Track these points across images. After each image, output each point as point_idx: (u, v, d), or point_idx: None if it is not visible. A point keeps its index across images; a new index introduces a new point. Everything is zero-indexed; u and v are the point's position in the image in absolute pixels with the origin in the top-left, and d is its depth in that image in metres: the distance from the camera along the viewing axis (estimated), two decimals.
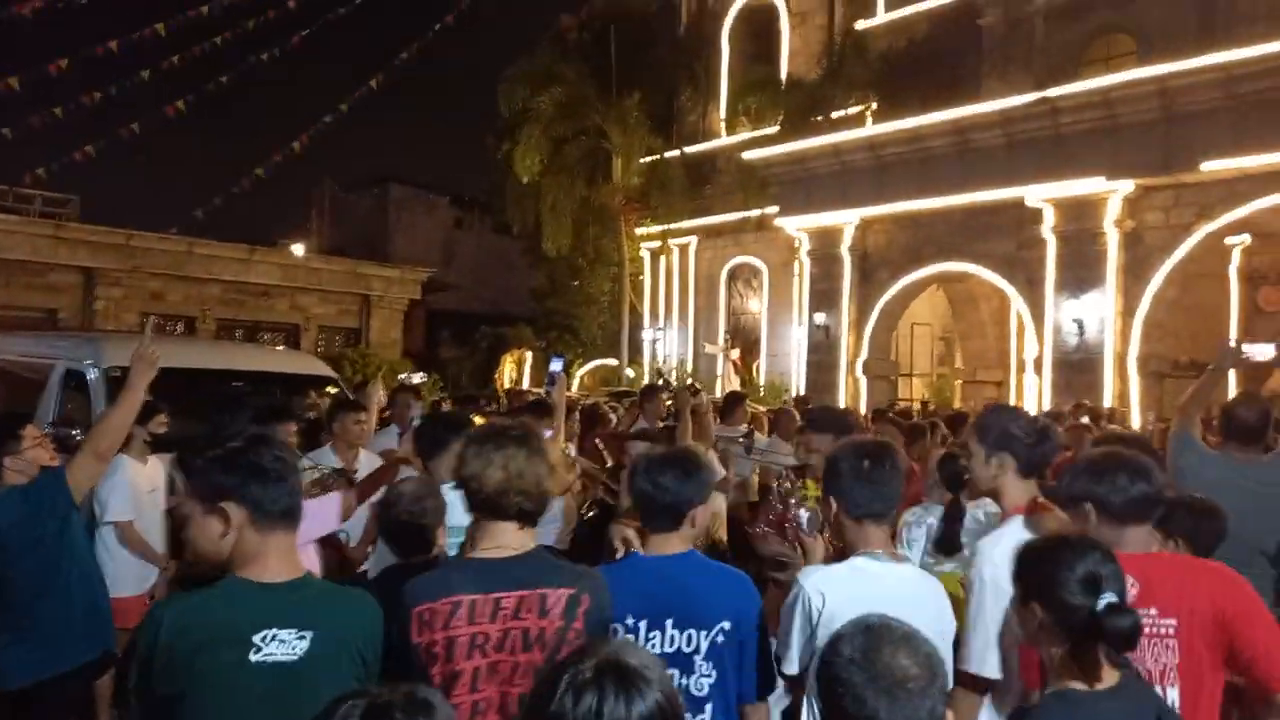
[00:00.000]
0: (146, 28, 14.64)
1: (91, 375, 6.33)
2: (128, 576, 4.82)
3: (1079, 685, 1.82)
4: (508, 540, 2.02)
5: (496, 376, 21.27)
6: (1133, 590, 2.33)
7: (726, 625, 2.36)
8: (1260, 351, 4.98)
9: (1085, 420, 9.47)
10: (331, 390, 7.73)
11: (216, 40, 15.92)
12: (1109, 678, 1.83)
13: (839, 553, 2.69)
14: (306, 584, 1.94)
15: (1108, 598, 1.80)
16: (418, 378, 19.29)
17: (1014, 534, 2.46)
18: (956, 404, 16.82)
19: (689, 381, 15.48)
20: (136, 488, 4.93)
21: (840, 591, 2.32)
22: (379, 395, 5.79)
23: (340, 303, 22.04)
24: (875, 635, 1.44)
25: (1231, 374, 12.93)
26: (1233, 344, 4.73)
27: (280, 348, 16.60)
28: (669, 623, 2.33)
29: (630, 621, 2.28)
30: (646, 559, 2.43)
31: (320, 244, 30.55)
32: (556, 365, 2.73)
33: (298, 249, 24.56)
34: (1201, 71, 12.79)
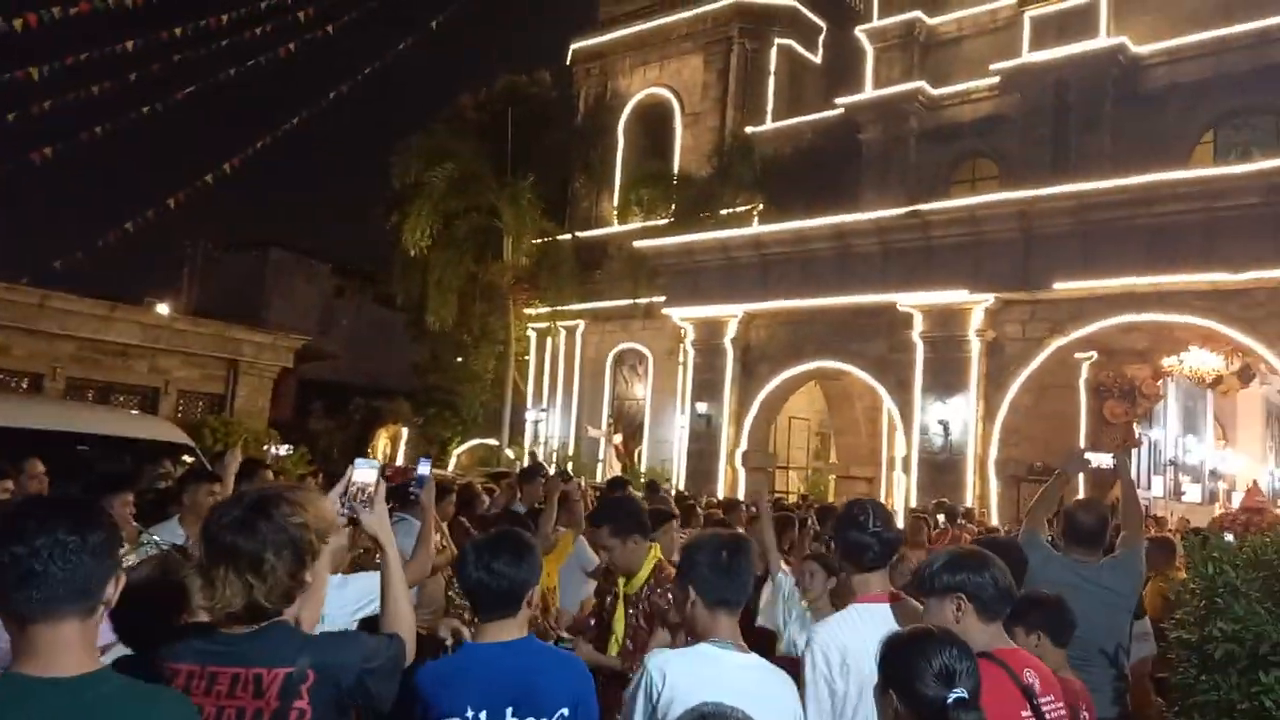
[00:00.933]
0: (18, 70, 13.95)
1: None
2: None
3: None
4: (239, 626, 1.88)
5: (369, 450, 20.53)
6: (1035, 680, 2.47)
7: (565, 711, 2.37)
8: (1101, 460, 5.36)
9: (941, 518, 9.88)
10: (188, 459, 7.27)
11: (94, 88, 15.30)
12: None
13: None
14: (101, 681, 1.63)
15: (958, 693, 1.88)
16: (284, 449, 18.44)
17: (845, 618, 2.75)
18: (830, 498, 17.22)
19: (561, 468, 15.35)
20: None
21: (681, 673, 2.36)
22: (237, 464, 5.46)
23: (205, 366, 20.92)
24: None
25: (1081, 481, 13.79)
26: (1078, 452, 5.07)
27: (134, 411, 15.58)
28: (509, 711, 2.31)
29: (470, 714, 2.25)
30: (482, 648, 2.40)
31: (190, 304, 29.21)
32: (424, 468, 2.68)
33: (163, 308, 23.37)
34: (1055, 199, 13.91)
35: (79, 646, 1.62)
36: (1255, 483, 18.54)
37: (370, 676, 1.95)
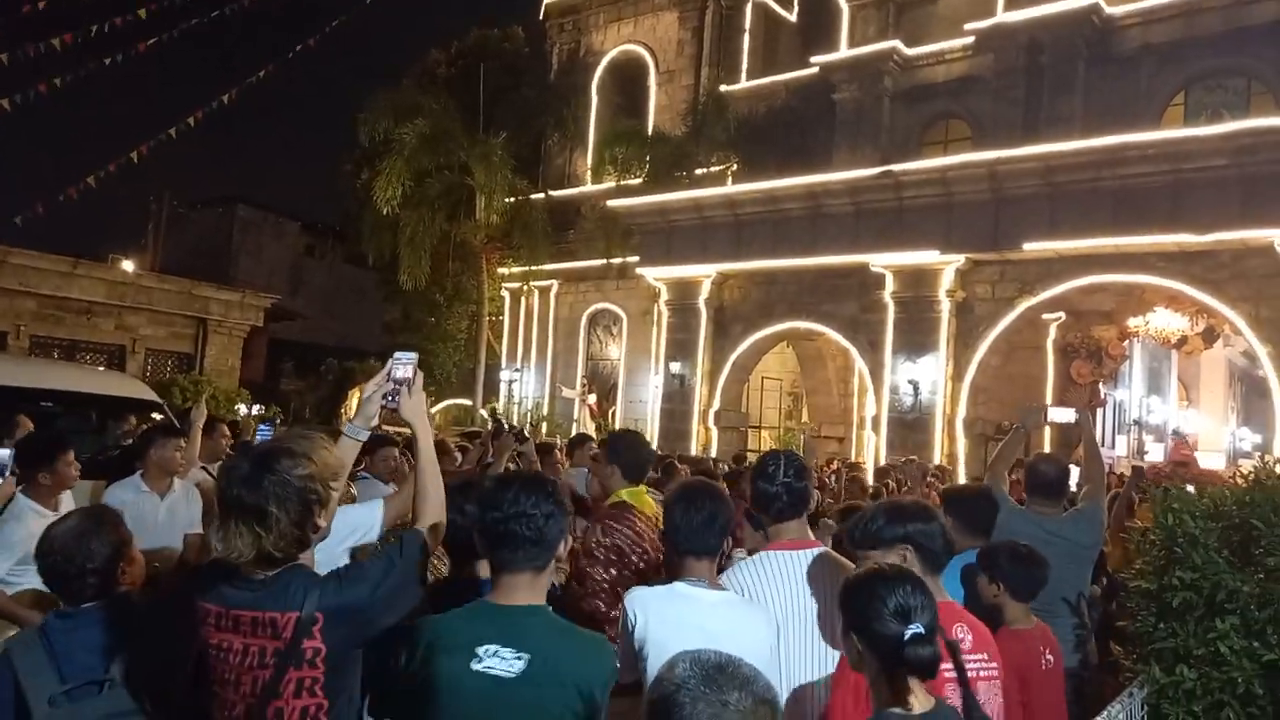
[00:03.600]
0: None
1: None
2: None
3: (898, 710, 1.92)
4: (258, 570, 2.02)
5: (342, 411, 20.43)
6: (967, 637, 2.51)
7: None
8: (1061, 414, 5.46)
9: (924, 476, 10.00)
10: (156, 416, 7.19)
11: (55, 42, 14.86)
12: (923, 703, 1.93)
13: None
14: (538, 613, 2.17)
15: (914, 628, 1.91)
16: (256, 409, 18.30)
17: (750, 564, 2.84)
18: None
19: (519, 428, 15.35)
20: None
21: (656, 611, 2.47)
22: (203, 419, 5.41)
23: (173, 325, 20.65)
24: (711, 666, 1.46)
25: (1046, 440, 14.02)
26: (1035, 407, 5.16)
27: (100, 369, 15.36)
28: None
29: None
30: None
31: (156, 262, 28.69)
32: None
33: (127, 265, 22.96)
34: (1025, 160, 13.98)
35: (527, 588, 2.17)
36: (1182, 437, 18.99)
37: (376, 609, 2.06)
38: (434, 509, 2.29)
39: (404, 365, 2.40)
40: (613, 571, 3.34)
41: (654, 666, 2.31)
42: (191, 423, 5.34)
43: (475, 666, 2.04)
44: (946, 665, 2.14)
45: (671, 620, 2.38)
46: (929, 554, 2.52)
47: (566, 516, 2.26)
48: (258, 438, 3.26)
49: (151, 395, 7.68)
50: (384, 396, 2.38)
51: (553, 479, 2.45)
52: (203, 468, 5.43)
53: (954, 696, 2.26)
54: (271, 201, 36.74)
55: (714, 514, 2.64)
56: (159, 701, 2.27)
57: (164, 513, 4.65)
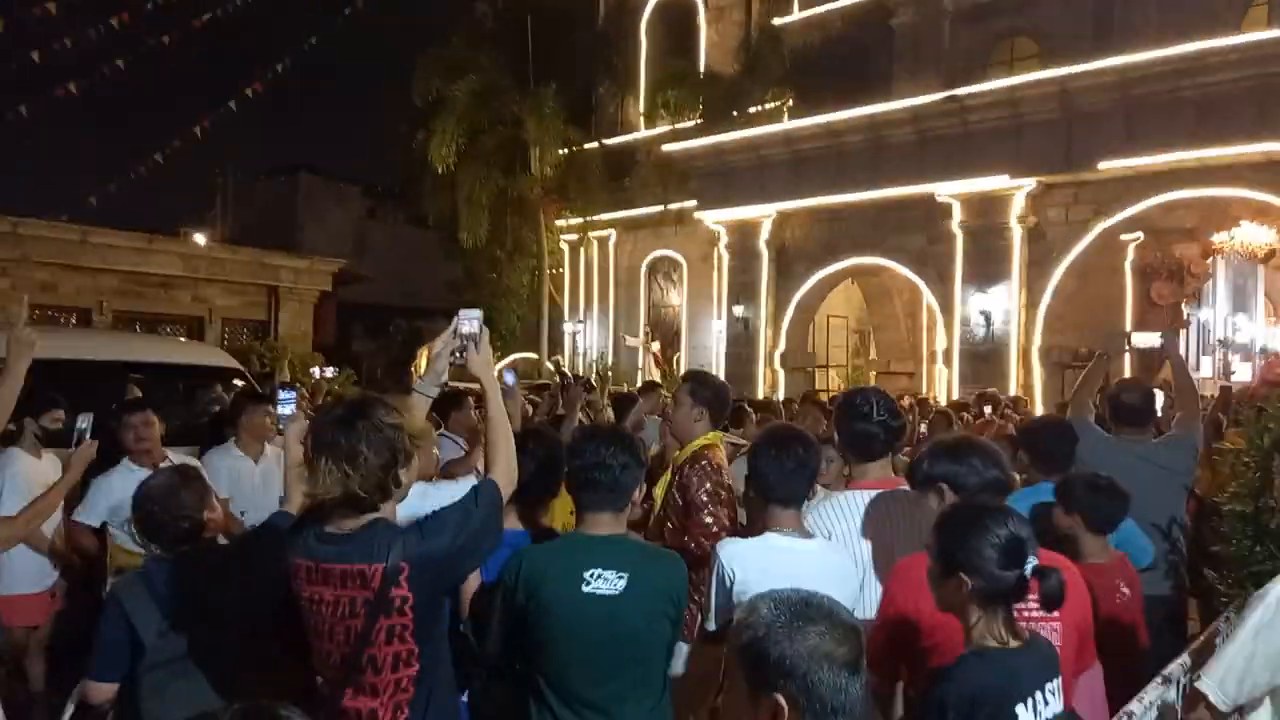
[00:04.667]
0: (36, 6, 13.83)
1: None
2: (25, 573, 4.56)
3: (993, 644, 1.90)
4: (344, 523, 2.13)
5: (413, 370, 20.83)
6: None
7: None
8: (1146, 339, 5.24)
9: (988, 410, 9.80)
10: (238, 383, 7.43)
11: (114, 21, 15.15)
12: (1019, 636, 1.93)
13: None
14: (625, 539, 2.46)
15: (1033, 561, 1.88)
16: (330, 372, 18.82)
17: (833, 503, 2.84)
18: None
19: (585, 376, 15.45)
20: (30, 482, 4.63)
21: (751, 563, 2.49)
22: (286, 381, 5.58)
23: (246, 294, 21.24)
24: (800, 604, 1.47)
25: (1126, 365, 13.61)
26: (1117, 331, 4.98)
27: (182, 339, 15.93)
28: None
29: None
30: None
31: (224, 233, 29.44)
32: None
33: (200, 238, 23.60)
34: (1098, 74, 13.36)
35: (609, 525, 2.42)
36: (1275, 354, 18.14)
37: (457, 556, 2.16)
38: (505, 460, 2.35)
39: (470, 321, 2.45)
40: (725, 511, 3.34)
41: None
42: (274, 386, 5.50)
43: (585, 589, 2.26)
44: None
45: (770, 572, 2.38)
46: (967, 492, 2.44)
47: (642, 468, 2.50)
48: (281, 407, 3.39)
49: (233, 363, 7.92)
50: (452, 353, 2.43)
51: (630, 434, 2.61)
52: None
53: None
54: (332, 167, 37.30)
55: (804, 462, 2.62)
56: (245, 633, 2.48)
57: (259, 476, 4.83)
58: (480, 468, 3.30)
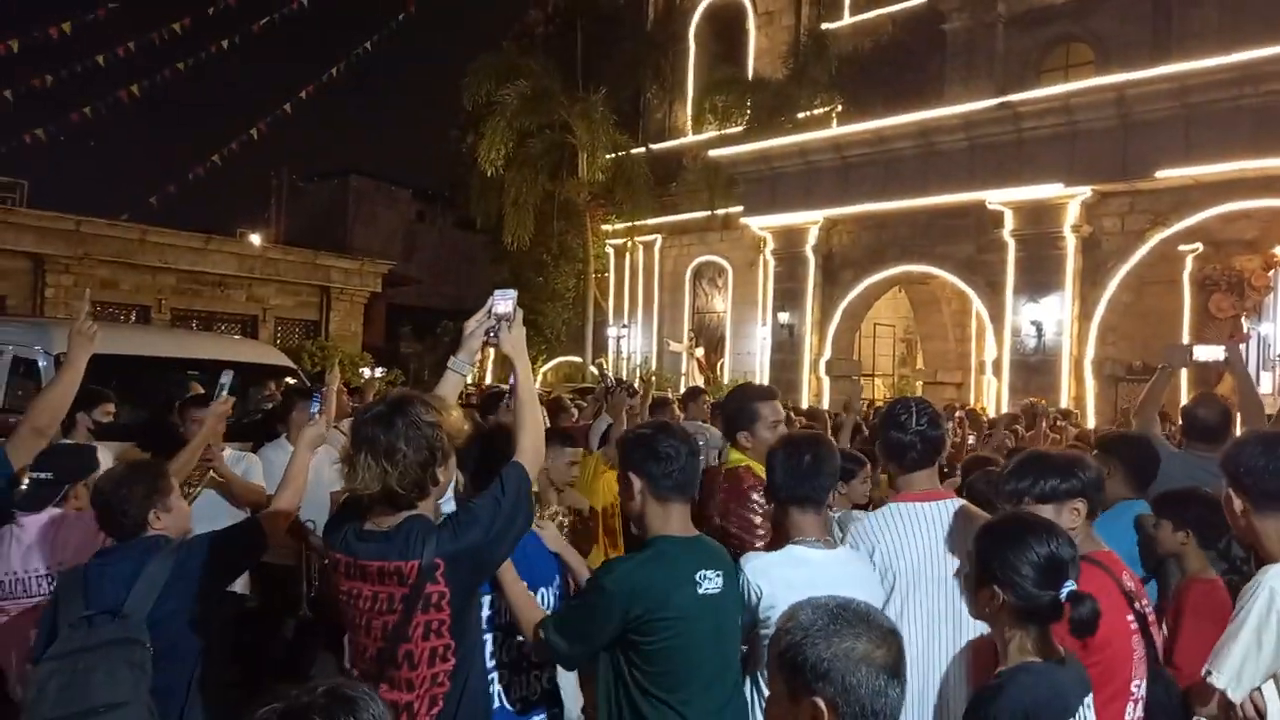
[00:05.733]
0: (100, 9, 14.28)
1: (42, 362, 6.16)
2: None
3: (1035, 659, 1.88)
4: (382, 520, 2.18)
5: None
6: (1133, 584, 2.39)
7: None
8: (1208, 353, 5.08)
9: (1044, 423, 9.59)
10: (290, 381, 7.59)
11: (175, 26, 15.56)
12: (1057, 652, 1.90)
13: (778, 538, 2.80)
14: (704, 538, 2.50)
15: (1070, 585, 1.84)
16: (379, 371, 19.09)
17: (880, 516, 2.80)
18: None
19: (628, 382, 15.40)
20: None
21: (779, 578, 2.46)
22: (339, 383, 5.70)
23: (299, 294, 21.66)
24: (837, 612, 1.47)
25: (1184, 380, 13.28)
26: (1179, 345, 4.84)
27: (237, 337, 16.29)
28: None
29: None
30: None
31: (278, 234, 30.05)
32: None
33: (255, 239, 24.12)
34: (1156, 81, 13.07)
35: (684, 516, 2.43)
36: None
37: (491, 548, 2.19)
38: (533, 441, 2.35)
39: (504, 301, 2.45)
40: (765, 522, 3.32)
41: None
42: (327, 385, 5.61)
43: (701, 591, 2.30)
44: (1129, 616, 2.14)
45: (795, 585, 2.35)
46: (1094, 506, 2.40)
47: (700, 459, 2.52)
48: (311, 409, 3.52)
49: (286, 361, 8.11)
50: (486, 332, 2.43)
51: (684, 429, 2.64)
52: (335, 427, 5.72)
53: (1139, 647, 2.23)
54: (383, 171, 37.87)
55: (818, 460, 2.59)
56: (161, 633, 2.45)
57: (310, 472, 4.91)
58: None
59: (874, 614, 1.47)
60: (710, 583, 2.33)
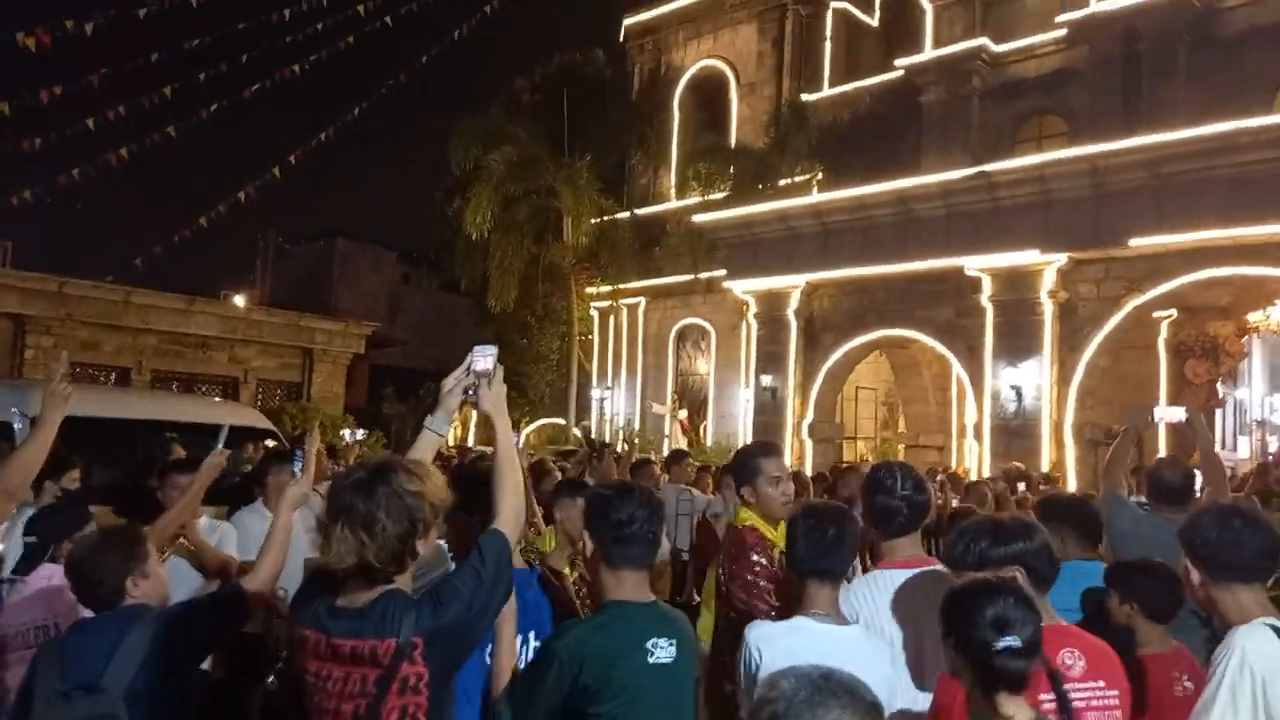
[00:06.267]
0: (90, 74, 14.45)
1: (18, 424, 6.07)
2: None
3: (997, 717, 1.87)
4: (357, 595, 2.04)
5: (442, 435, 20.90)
6: (1078, 664, 2.33)
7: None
8: (1171, 414, 5.18)
9: (1021, 487, 9.63)
10: (270, 443, 7.52)
11: (165, 90, 15.77)
12: (1022, 715, 1.86)
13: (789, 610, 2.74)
14: (661, 604, 2.49)
15: (1008, 640, 1.85)
16: (360, 434, 18.94)
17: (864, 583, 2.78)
18: None
19: (599, 440, 15.37)
20: None
21: (779, 648, 2.38)
22: (319, 445, 5.64)
23: (281, 355, 21.58)
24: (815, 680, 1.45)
25: (1163, 443, 13.38)
26: (1141, 407, 4.94)
27: (217, 399, 16.17)
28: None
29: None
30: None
31: (264, 296, 30.06)
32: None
33: (239, 300, 24.12)
34: (1128, 153, 13.42)
35: (644, 581, 2.44)
36: None
37: (473, 622, 2.07)
38: (512, 505, 2.24)
39: (484, 358, 2.37)
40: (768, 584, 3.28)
41: None
42: (306, 449, 5.56)
43: (652, 660, 2.28)
44: (1047, 695, 2.01)
45: (797, 656, 2.30)
46: (1037, 574, 2.37)
47: (663, 524, 2.58)
48: (294, 468, 3.49)
49: (266, 423, 8.04)
50: (464, 390, 2.36)
51: (652, 492, 2.65)
52: (315, 490, 5.65)
53: None
54: (368, 233, 38.11)
55: (842, 533, 2.55)
56: (137, 709, 2.36)
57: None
58: None
59: (858, 687, 1.45)
60: (663, 651, 2.29)
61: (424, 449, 2.39)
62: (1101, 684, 2.34)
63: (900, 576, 2.72)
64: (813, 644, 2.38)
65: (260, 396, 20.62)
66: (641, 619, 2.34)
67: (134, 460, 6.96)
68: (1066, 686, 2.03)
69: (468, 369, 2.37)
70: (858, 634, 2.55)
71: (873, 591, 2.71)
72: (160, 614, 2.57)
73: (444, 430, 2.43)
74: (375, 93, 17.01)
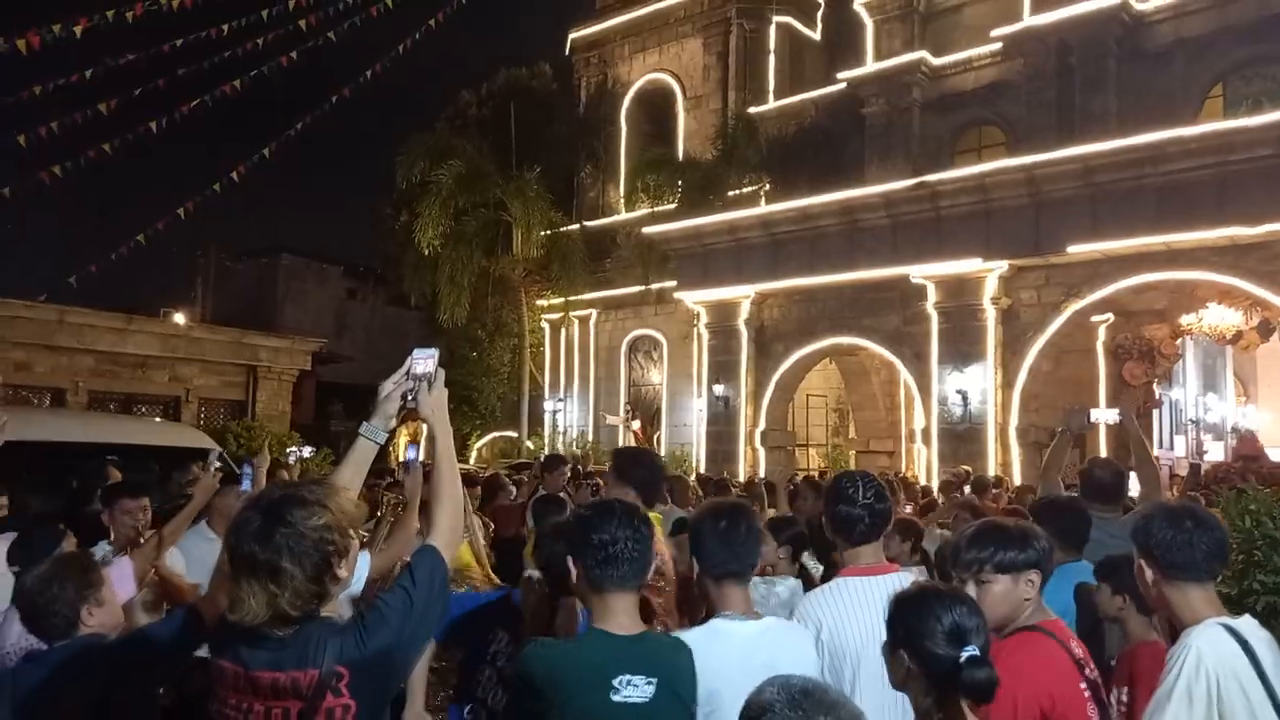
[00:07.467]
0: (23, 90, 14.03)
1: None
2: None
3: None
4: (275, 627, 1.87)
5: (391, 450, 20.65)
6: (1081, 651, 2.42)
7: None
8: (1106, 416, 5.38)
9: (966, 490, 9.81)
10: (216, 464, 7.33)
11: (101, 107, 15.39)
12: None
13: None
14: (648, 637, 2.27)
15: (970, 650, 1.85)
16: (307, 451, 18.59)
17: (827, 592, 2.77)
18: None
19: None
20: None
21: (702, 653, 2.33)
22: (267, 464, 5.51)
23: (224, 374, 21.07)
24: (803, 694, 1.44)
25: (1103, 443, 13.73)
26: (1077, 409, 5.09)
27: (158, 420, 15.75)
28: None
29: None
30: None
31: (206, 313, 29.41)
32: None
33: (179, 318, 23.54)
34: (1063, 162, 13.80)
35: (632, 607, 2.25)
36: (1250, 431, 18.38)
37: (404, 648, 1.93)
38: (448, 518, 2.10)
39: (424, 360, 2.25)
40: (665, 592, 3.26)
41: (704, 713, 2.28)
42: (255, 468, 5.44)
43: (615, 699, 2.10)
44: (1081, 683, 2.18)
45: (715, 661, 2.28)
46: (1044, 576, 2.43)
47: (653, 541, 2.36)
48: (243, 486, 3.39)
49: (210, 443, 7.84)
50: (403, 395, 2.22)
51: (641, 510, 2.45)
52: None
53: (1095, 715, 2.27)
54: (313, 248, 37.56)
55: (752, 533, 2.52)
56: None
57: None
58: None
59: (842, 704, 1.44)
60: (634, 690, 2.11)
61: (359, 457, 2.24)
62: (1095, 669, 2.45)
63: (864, 584, 2.73)
64: (730, 645, 2.38)
65: (203, 416, 20.11)
66: (614, 653, 2.16)
67: (69, 485, 6.75)
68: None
69: (407, 372, 2.25)
70: (775, 624, 2.55)
71: (836, 600, 2.71)
72: (116, 644, 2.48)
73: (380, 437, 2.26)
74: (318, 108, 16.77)
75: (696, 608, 2.92)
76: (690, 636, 2.45)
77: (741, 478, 14.75)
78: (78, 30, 12.17)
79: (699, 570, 2.54)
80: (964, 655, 1.83)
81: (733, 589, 2.49)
